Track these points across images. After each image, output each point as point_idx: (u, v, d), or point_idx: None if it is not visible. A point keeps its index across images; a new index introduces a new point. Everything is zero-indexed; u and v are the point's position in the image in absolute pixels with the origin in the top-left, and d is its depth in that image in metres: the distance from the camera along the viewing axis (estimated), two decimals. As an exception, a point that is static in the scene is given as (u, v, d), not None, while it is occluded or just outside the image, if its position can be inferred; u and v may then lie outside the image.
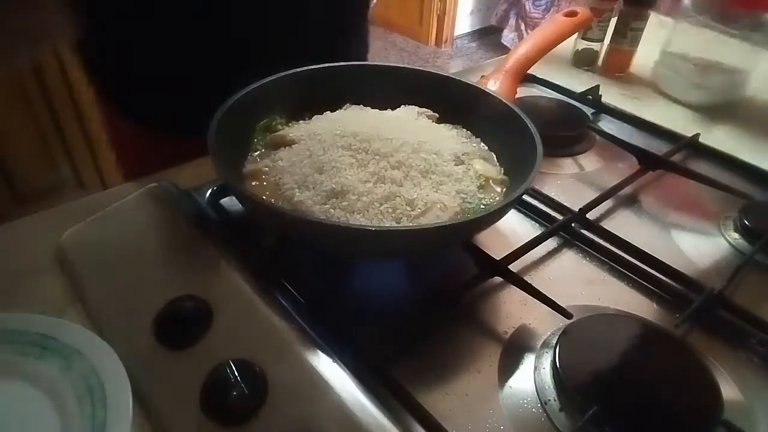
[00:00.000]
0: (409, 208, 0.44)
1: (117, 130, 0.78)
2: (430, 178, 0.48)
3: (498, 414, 0.39)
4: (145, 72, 0.67)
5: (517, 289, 0.47)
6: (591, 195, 0.59)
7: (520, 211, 0.58)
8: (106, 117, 0.78)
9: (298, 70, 0.56)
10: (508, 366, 0.42)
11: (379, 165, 0.47)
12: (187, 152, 0.60)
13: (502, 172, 0.53)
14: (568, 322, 0.44)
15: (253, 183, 0.49)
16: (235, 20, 0.63)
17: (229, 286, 0.43)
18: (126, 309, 0.43)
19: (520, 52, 0.65)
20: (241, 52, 0.64)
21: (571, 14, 0.79)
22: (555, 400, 0.40)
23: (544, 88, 0.85)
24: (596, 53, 0.96)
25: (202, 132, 0.45)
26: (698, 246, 0.56)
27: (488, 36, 3.65)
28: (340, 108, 0.58)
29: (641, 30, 0.90)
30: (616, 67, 0.95)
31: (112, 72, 0.70)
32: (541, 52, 0.67)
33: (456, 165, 0.51)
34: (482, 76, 0.71)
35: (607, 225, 0.56)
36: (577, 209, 0.56)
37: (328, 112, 0.57)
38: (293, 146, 0.51)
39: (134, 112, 0.72)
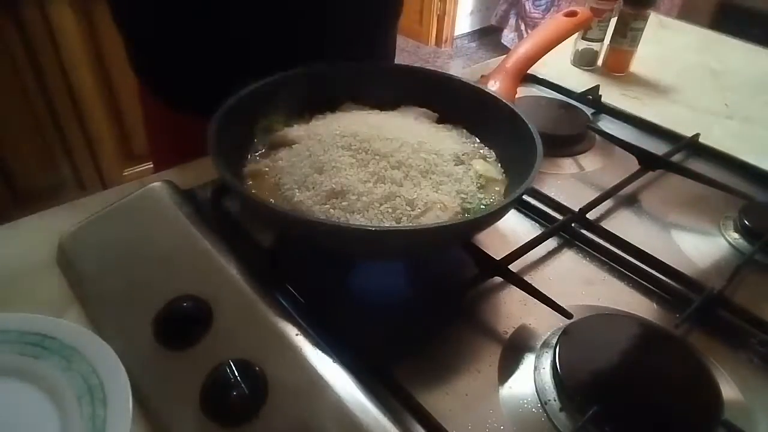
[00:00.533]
0: (409, 208, 0.44)
1: (150, 112, 0.79)
2: (430, 178, 0.48)
3: (498, 414, 0.39)
4: (162, 53, 0.68)
5: (517, 289, 0.47)
6: (591, 195, 0.59)
7: (520, 211, 0.58)
8: (141, 98, 0.78)
9: (298, 69, 0.56)
10: (508, 366, 0.42)
11: (379, 165, 0.47)
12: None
13: (503, 172, 0.53)
14: (568, 322, 0.43)
15: (253, 183, 0.49)
16: (236, 19, 0.63)
17: (229, 286, 0.43)
18: (126, 309, 0.43)
19: (520, 52, 0.65)
20: (244, 50, 0.64)
21: (571, 14, 0.79)
22: (555, 400, 0.40)
23: (544, 88, 0.85)
24: (596, 53, 0.96)
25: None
26: (698, 246, 0.56)
27: (488, 36, 3.65)
28: (340, 108, 0.58)
29: (641, 30, 0.90)
30: (616, 67, 0.95)
31: (139, 49, 0.71)
32: (541, 52, 0.67)
33: (456, 165, 0.50)
34: (482, 76, 0.71)
35: (607, 225, 0.56)
36: (577, 209, 0.56)
37: (328, 112, 0.57)
38: (293, 146, 0.51)
39: (160, 90, 0.73)
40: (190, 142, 0.60)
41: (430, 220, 0.44)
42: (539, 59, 0.66)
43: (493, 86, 0.60)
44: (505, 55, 0.72)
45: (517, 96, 0.71)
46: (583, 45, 0.96)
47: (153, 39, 0.67)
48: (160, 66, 0.69)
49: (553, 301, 0.44)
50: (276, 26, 0.63)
